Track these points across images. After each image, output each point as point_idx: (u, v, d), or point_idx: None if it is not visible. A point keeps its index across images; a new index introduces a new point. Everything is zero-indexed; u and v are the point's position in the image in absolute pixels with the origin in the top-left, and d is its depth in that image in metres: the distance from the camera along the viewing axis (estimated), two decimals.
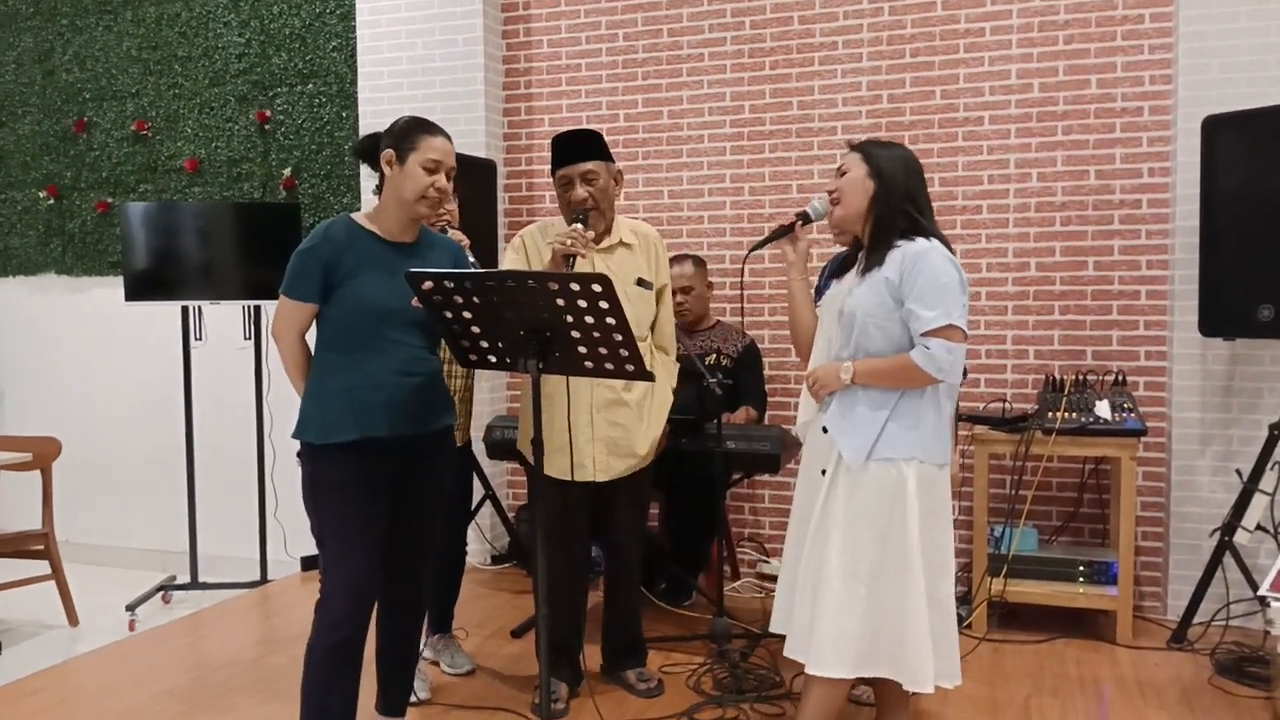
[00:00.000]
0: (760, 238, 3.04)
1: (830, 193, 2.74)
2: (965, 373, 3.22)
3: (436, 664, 3.62)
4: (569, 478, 3.22)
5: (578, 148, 3.21)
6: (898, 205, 2.62)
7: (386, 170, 2.66)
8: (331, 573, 2.62)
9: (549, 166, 4.97)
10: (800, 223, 2.88)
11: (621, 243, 3.29)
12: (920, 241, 2.57)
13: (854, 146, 2.73)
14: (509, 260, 3.31)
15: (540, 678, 2.54)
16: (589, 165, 3.19)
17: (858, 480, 2.59)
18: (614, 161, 3.28)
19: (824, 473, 2.67)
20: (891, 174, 2.64)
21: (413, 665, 2.97)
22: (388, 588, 2.82)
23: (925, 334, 2.51)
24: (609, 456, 3.24)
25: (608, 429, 3.23)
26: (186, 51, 5.66)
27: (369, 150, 2.76)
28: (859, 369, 2.61)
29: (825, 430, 2.68)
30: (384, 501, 2.67)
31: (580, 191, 3.16)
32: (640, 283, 3.27)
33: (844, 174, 2.71)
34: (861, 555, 2.57)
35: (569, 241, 2.90)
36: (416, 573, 2.85)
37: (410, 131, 2.66)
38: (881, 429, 2.57)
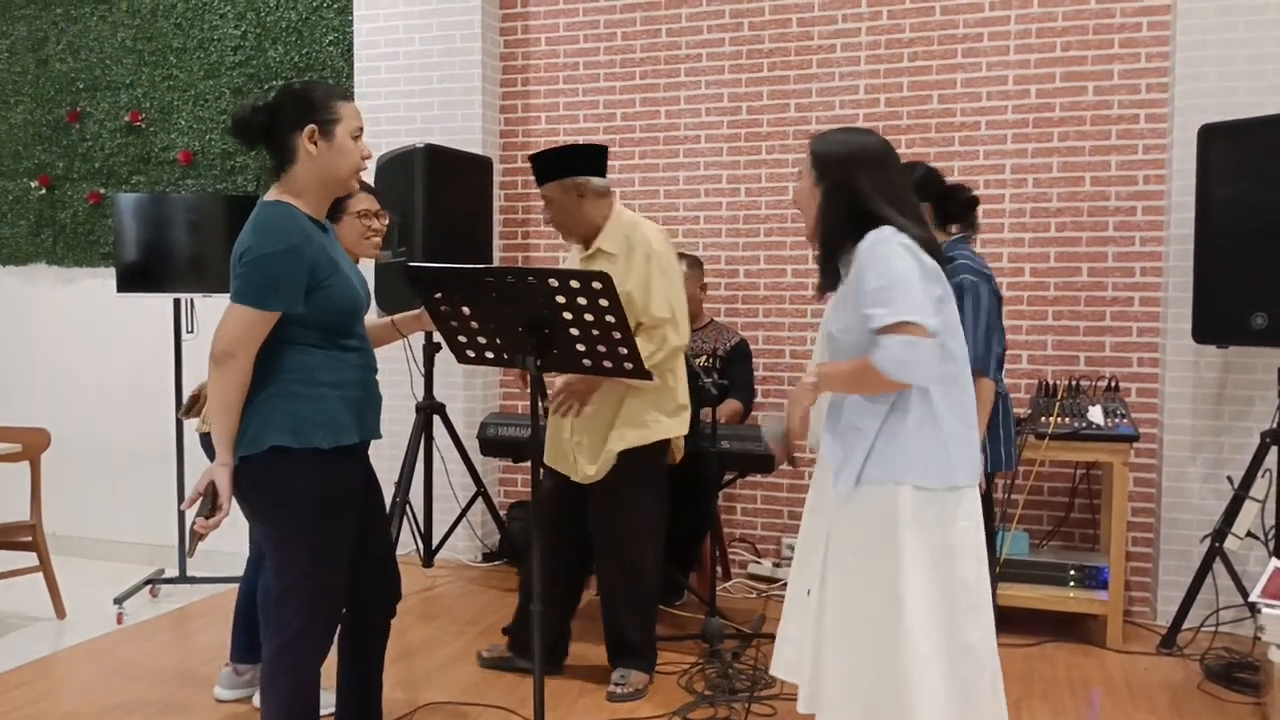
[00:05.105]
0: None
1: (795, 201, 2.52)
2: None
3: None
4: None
5: (536, 171, 3.31)
6: (843, 206, 2.33)
7: (310, 149, 2.34)
8: (314, 605, 2.34)
9: None
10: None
11: (601, 250, 3.30)
12: (870, 234, 2.27)
13: (809, 142, 2.44)
14: None
15: (534, 673, 2.53)
16: (542, 191, 3.31)
17: (847, 507, 2.32)
18: (572, 176, 3.26)
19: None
20: (837, 176, 2.33)
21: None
22: (363, 610, 2.59)
23: (878, 332, 2.20)
24: None
25: None
26: (181, 43, 5.63)
27: (262, 127, 2.36)
28: (821, 373, 2.34)
29: None
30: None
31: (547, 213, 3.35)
32: None
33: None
34: (858, 593, 2.29)
35: None
36: (392, 582, 2.63)
37: (328, 100, 2.38)
38: (870, 447, 2.29)
